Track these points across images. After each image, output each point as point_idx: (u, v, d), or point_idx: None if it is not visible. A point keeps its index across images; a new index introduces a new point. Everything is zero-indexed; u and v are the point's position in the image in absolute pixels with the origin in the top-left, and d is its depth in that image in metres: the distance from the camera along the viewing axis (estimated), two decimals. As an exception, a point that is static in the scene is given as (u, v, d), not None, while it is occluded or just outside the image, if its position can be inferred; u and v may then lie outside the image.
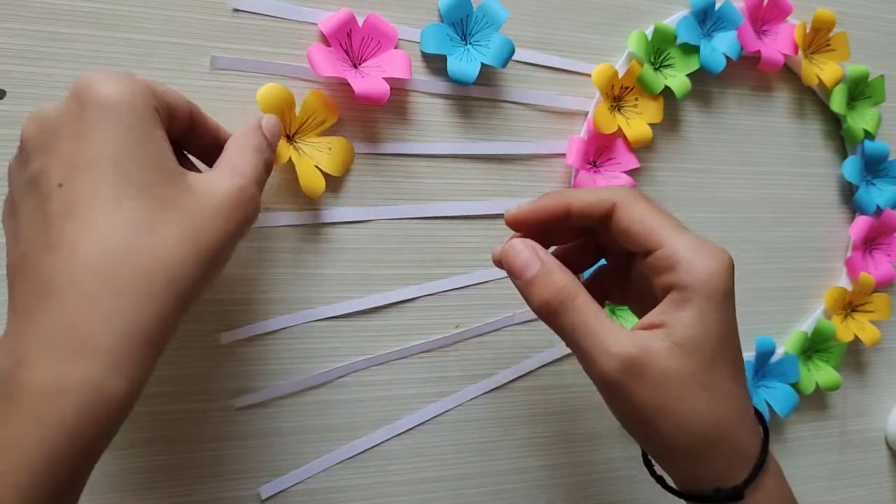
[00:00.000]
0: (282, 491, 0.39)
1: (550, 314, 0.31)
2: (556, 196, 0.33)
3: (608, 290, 0.37)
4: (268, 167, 0.32)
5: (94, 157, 0.26)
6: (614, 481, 0.45)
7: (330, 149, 0.39)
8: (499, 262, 0.33)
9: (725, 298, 0.30)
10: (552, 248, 0.36)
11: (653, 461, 0.34)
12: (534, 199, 0.34)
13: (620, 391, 0.30)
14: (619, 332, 0.30)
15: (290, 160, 0.37)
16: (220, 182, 0.29)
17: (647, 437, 0.31)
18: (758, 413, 0.32)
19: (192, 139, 0.32)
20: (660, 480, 0.34)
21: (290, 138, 0.38)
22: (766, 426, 0.32)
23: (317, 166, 0.38)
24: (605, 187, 0.34)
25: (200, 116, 0.32)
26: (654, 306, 0.31)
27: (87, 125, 0.26)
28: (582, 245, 0.37)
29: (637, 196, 0.33)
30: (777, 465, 0.32)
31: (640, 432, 0.31)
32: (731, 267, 0.31)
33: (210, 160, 0.33)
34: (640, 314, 0.35)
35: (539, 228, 0.34)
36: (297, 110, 0.38)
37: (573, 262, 0.35)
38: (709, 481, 0.30)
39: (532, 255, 0.32)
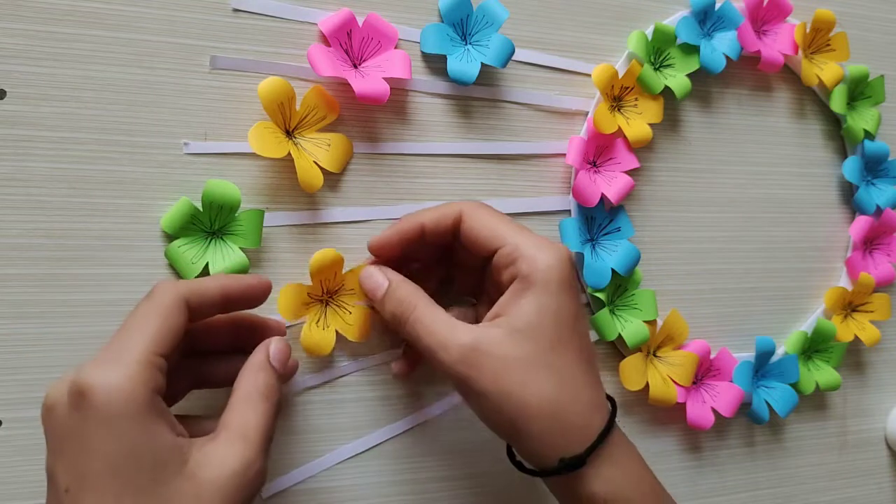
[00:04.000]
0: (282, 491, 0.39)
1: (398, 324, 0.34)
2: (410, 218, 0.36)
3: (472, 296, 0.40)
4: (277, 411, 0.32)
5: (94, 469, 0.26)
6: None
7: (329, 144, 0.39)
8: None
9: (562, 287, 0.33)
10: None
11: (514, 450, 0.35)
12: (394, 223, 0.37)
13: (463, 381, 0.32)
14: (458, 328, 0.32)
15: (289, 154, 0.37)
16: (224, 459, 0.28)
17: (494, 422, 0.33)
18: (609, 397, 0.35)
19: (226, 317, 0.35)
20: (518, 465, 0.35)
21: (289, 133, 0.38)
22: (615, 407, 0.34)
23: (315, 162, 0.38)
24: (451, 203, 0.37)
25: (236, 297, 0.33)
26: None
27: (87, 435, 0.27)
28: (439, 259, 0.39)
29: (480, 205, 0.36)
30: (626, 442, 0.34)
31: (487, 418, 0.33)
32: (569, 259, 0.33)
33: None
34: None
35: (399, 250, 0.36)
36: (298, 107, 0.38)
37: (432, 277, 0.39)
38: (551, 458, 0.32)
39: (381, 277, 0.36)
